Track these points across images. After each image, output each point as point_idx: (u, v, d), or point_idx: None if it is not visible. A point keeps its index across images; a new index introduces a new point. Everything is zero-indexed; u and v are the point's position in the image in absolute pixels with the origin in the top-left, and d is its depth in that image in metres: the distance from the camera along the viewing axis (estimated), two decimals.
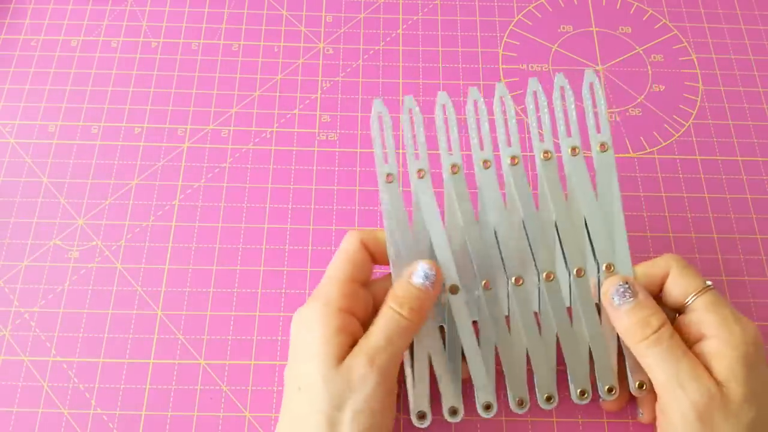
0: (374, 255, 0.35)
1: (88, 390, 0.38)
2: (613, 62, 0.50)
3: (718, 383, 0.31)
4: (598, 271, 0.35)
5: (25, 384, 0.38)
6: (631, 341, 0.33)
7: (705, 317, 0.33)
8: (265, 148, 0.46)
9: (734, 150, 0.46)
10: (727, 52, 0.50)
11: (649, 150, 0.46)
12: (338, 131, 0.46)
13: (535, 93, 0.36)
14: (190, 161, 0.45)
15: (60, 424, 0.37)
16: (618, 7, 0.52)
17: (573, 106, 0.36)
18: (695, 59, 0.50)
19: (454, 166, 0.36)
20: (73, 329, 0.40)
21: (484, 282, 0.35)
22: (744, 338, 0.31)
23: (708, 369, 0.31)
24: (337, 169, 0.45)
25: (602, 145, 0.36)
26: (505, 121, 0.36)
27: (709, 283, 0.34)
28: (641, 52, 0.50)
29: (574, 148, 0.36)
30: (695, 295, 0.33)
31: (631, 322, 0.33)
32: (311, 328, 0.32)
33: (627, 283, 0.34)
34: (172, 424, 0.37)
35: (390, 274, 0.35)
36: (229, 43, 0.50)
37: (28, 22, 0.51)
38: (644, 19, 0.52)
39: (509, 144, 0.36)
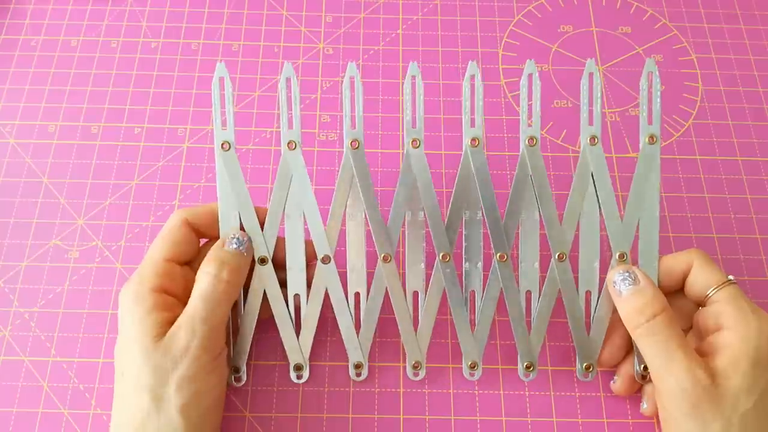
0: (202, 230, 0.36)
1: (88, 390, 0.38)
2: (613, 62, 0.50)
3: (715, 374, 0.31)
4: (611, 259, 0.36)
5: (25, 384, 0.38)
6: (629, 328, 0.34)
7: (724, 309, 0.33)
8: (265, 148, 0.46)
9: (734, 150, 0.46)
10: (727, 52, 0.50)
11: None
12: (338, 131, 0.46)
13: (530, 76, 0.36)
14: (190, 161, 0.45)
15: (60, 424, 0.37)
16: (618, 7, 0.52)
17: (599, 95, 0.36)
18: (695, 59, 0.50)
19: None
20: (73, 329, 0.40)
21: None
22: (758, 332, 0.32)
23: (715, 359, 0.32)
24: (337, 169, 0.45)
25: (651, 137, 0.36)
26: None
27: (731, 277, 0.34)
28: (641, 52, 0.50)
29: (593, 138, 0.36)
30: (716, 288, 0.34)
31: (629, 309, 0.34)
32: (126, 309, 0.33)
33: (629, 271, 0.34)
34: None
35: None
36: (229, 43, 0.50)
37: (28, 22, 0.51)
38: (644, 19, 0.52)
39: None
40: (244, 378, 0.37)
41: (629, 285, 0.34)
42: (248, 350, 0.37)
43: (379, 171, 0.45)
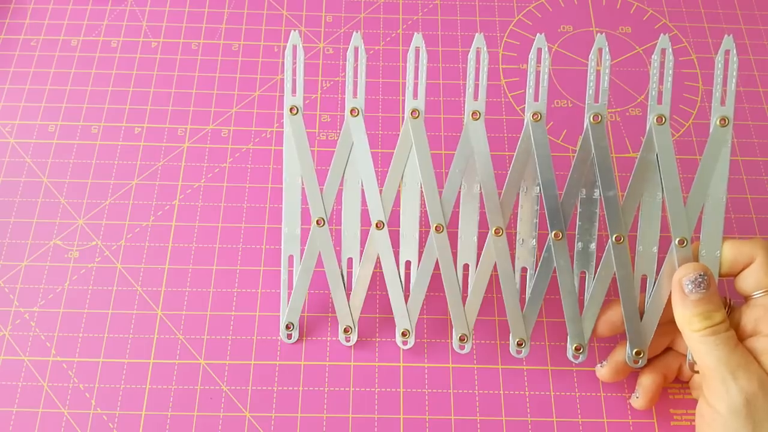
0: None
1: (88, 390, 0.38)
2: (613, 62, 0.50)
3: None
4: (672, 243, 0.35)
5: (25, 384, 0.38)
6: (687, 328, 0.33)
7: (764, 315, 0.33)
8: (265, 148, 0.46)
9: (734, 150, 0.46)
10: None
11: None
12: (338, 131, 0.46)
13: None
14: (190, 161, 0.45)
15: (60, 424, 0.37)
16: (618, 7, 0.52)
17: (671, 72, 0.35)
18: (695, 59, 0.50)
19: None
20: (73, 329, 0.40)
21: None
22: None
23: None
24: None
25: (723, 119, 0.35)
26: (537, 74, 0.35)
27: None
28: (641, 52, 0.50)
29: (660, 117, 0.35)
30: (763, 292, 0.33)
31: (694, 312, 0.33)
32: None
33: (706, 274, 0.33)
34: (172, 424, 0.37)
35: None
36: (229, 43, 0.50)
37: (28, 22, 0.51)
38: (644, 19, 0.52)
39: (536, 99, 0.35)
40: (296, 335, 0.39)
41: (703, 289, 0.33)
42: (302, 306, 0.39)
43: (380, 166, 0.45)
